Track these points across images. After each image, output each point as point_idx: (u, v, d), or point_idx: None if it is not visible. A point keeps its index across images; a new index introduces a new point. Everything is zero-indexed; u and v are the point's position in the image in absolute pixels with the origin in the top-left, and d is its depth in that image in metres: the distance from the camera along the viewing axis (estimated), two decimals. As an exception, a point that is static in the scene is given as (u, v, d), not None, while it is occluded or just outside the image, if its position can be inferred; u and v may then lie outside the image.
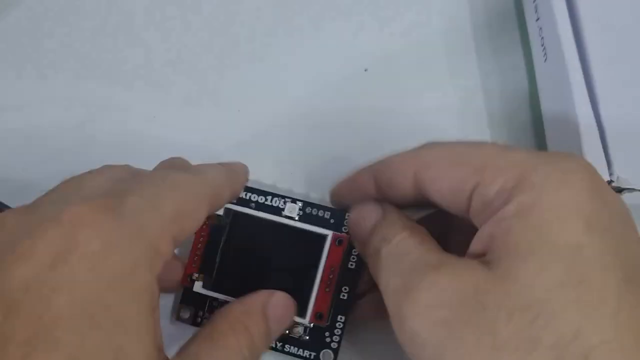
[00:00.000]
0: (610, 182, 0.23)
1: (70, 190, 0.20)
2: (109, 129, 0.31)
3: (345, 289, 0.25)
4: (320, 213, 0.26)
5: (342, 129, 0.30)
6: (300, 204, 0.26)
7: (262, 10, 0.33)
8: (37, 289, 0.16)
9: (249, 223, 0.26)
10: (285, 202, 0.26)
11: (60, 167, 0.30)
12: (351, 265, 0.25)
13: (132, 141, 0.31)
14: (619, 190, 0.23)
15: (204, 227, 0.26)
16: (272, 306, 0.23)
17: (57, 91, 0.32)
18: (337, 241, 0.25)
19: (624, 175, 0.23)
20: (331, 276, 0.25)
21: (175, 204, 0.20)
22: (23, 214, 0.19)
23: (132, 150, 0.31)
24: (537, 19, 0.28)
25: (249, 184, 0.27)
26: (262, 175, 0.29)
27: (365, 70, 0.32)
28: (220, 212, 0.26)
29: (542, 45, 0.28)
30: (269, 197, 0.26)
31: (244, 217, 0.26)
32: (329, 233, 0.25)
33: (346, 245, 0.25)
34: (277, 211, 0.26)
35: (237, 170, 0.26)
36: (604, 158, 0.23)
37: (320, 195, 0.29)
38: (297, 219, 0.26)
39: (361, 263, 0.25)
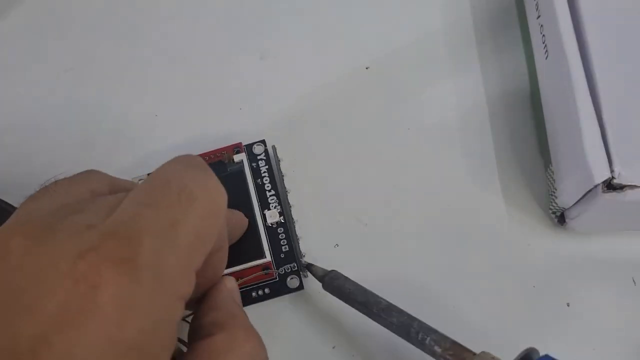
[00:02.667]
0: (611, 178, 0.23)
1: (72, 212, 0.18)
2: (111, 128, 0.31)
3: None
4: (283, 242, 0.27)
5: (343, 127, 0.31)
6: (281, 220, 0.28)
7: (264, 7, 0.33)
8: (45, 355, 0.15)
9: (238, 187, 0.28)
10: (275, 207, 0.28)
11: (61, 166, 0.31)
12: (254, 294, 0.27)
13: (133, 140, 0.31)
14: (621, 187, 0.23)
15: None
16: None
17: (58, 91, 0.32)
18: (264, 269, 0.27)
19: (625, 172, 0.23)
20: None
21: (193, 229, 0.17)
22: (30, 240, 0.17)
23: (133, 149, 0.31)
24: (538, 16, 0.28)
25: None
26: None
27: (367, 69, 0.32)
28: (237, 158, 0.28)
29: (544, 42, 0.28)
30: (272, 191, 0.28)
31: (242, 181, 0.28)
32: (267, 258, 0.27)
33: (266, 279, 0.27)
34: (265, 204, 0.28)
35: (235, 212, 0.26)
36: (605, 155, 0.23)
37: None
38: (266, 224, 0.27)
39: (264, 300, 0.27)
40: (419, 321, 0.23)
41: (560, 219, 0.27)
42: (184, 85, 0.32)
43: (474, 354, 0.21)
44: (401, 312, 0.23)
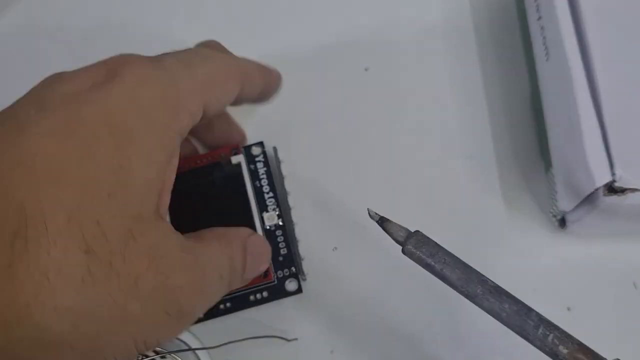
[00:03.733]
0: (612, 182, 0.23)
1: None
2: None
3: (229, 304, 0.26)
4: (282, 245, 0.27)
5: (342, 128, 0.30)
6: (279, 223, 0.27)
7: (262, 7, 0.33)
8: (70, 100, 0.19)
9: (236, 189, 0.27)
10: (274, 210, 0.27)
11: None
12: (252, 297, 0.26)
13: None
14: (622, 190, 0.23)
15: None
16: (251, 242, 0.23)
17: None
18: (263, 272, 0.26)
19: (626, 174, 0.23)
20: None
21: (207, 70, 0.22)
22: None
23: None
24: (539, 18, 0.28)
25: None
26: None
27: (366, 70, 0.31)
28: (235, 160, 0.28)
29: (544, 44, 0.28)
30: (271, 194, 0.28)
31: (240, 183, 0.28)
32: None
33: (264, 282, 0.26)
34: (262, 207, 0.28)
35: (270, 69, 0.27)
36: (606, 157, 0.23)
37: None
38: (264, 226, 0.27)
39: (261, 303, 0.26)
40: (537, 312, 0.19)
41: (561, 222, 0.27)
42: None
43: None
44: (513, 298, 0.19)
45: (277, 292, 0.26)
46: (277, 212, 0.27)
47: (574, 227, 0.26)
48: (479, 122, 0.30)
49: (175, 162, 0.21)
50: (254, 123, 0.31)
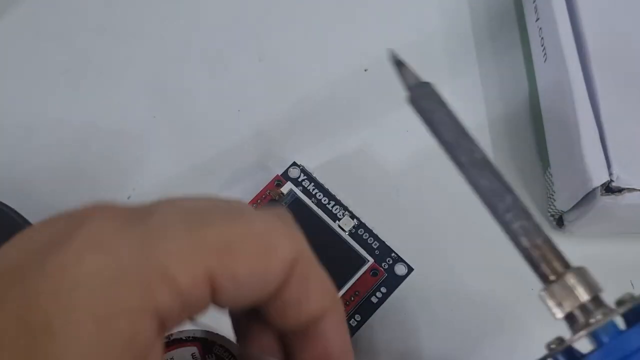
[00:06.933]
0: (609, 182, 0.23)
1: None
2: (109, 129, 0.31)
3: (358, 317, 0.25)
4: (370, 240, 0.26)
5: (342, 129, 0.30)
6: (356, 222, 0.27)
7: (263, 9, 0.33)
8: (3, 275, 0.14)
9: (305, 214, 0.27)
10: (343, 214, 0.27)
11: (57, 168, 0.30)
12: (374, 299, 0.26)
13: (132, 141, 0.31)
14: (619, 190, 0.23)
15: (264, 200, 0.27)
16: None
17: (57, 92, 0.32)
18: (372, 272, 0.26)
19: (623, 175, 0.23)
20: (352, 298, 0.25)
21: (226, 230, 0.15)
22: None
23: (132, 150, 0.31)
24: (537, 19, 0.28)
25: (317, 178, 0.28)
26: (260, 176, 0.29)
27: (365, 71, 0.32)
28: (285, 189, 0.27)
29: (542, 45, 0.28)
30: (331, 202, 0.27)
31: (304, 207, 0.27)
32: (370, 261, 0.26)
33: (378, 280, 0.26)
34: (333, 217, 0.27)
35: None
36: (603, 157, 0.23)
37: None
38: (347, 233, 0.27)
39: (385, 300, 0.26)
40: (514, 196, 0.17)
41: (559, 222, 0.27)
42: (181, 86, 0.32)
43: (568, 266, 0.17)
44: (495, 176, 0.17)
45: (393, 282, 0.26)
46: (348, 215, 0.27)
47: (571, 226, 0.26)
48: (476, 122, 0.30)
49: (154, 356, 0.14)
50: (252, 123, 0.31)
